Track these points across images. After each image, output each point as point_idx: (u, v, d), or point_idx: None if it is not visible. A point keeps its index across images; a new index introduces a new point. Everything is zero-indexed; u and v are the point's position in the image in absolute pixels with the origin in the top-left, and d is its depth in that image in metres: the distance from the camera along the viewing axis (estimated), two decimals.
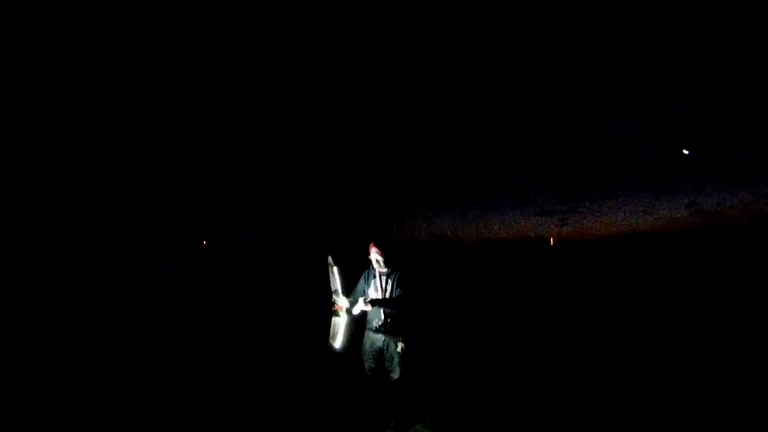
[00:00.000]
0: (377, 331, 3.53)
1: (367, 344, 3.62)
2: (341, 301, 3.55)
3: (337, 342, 3.56)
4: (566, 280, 14.72)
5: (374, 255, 3.48)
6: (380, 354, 3.55)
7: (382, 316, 3.47)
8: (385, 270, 3.50)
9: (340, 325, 3.57)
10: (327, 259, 3.65)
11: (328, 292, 3.65)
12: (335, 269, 3.62)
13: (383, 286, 3.51)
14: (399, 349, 3.46)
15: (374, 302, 3.41)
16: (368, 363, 3.61)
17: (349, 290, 3.66)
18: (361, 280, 3.64)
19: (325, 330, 3.65)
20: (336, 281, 3.62)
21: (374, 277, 3.56)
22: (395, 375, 3.48)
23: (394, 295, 3.46)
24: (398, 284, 3.47)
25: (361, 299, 3.40)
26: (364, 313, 3.53)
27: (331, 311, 3.61)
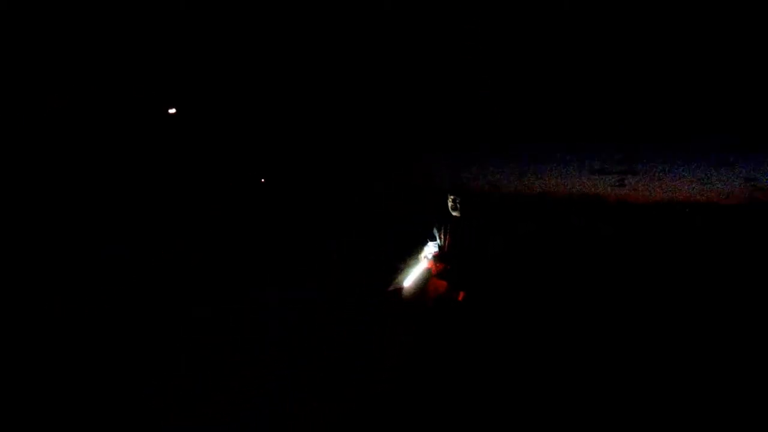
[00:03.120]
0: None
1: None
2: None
3: (407, 281, 3.73)
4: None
5: (452, 202, 3.72)
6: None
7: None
8: (456, 214, 3.73)
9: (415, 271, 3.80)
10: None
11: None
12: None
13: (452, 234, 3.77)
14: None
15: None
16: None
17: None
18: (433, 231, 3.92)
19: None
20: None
21: (439, 229, 3.83)
22: None
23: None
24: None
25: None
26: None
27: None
